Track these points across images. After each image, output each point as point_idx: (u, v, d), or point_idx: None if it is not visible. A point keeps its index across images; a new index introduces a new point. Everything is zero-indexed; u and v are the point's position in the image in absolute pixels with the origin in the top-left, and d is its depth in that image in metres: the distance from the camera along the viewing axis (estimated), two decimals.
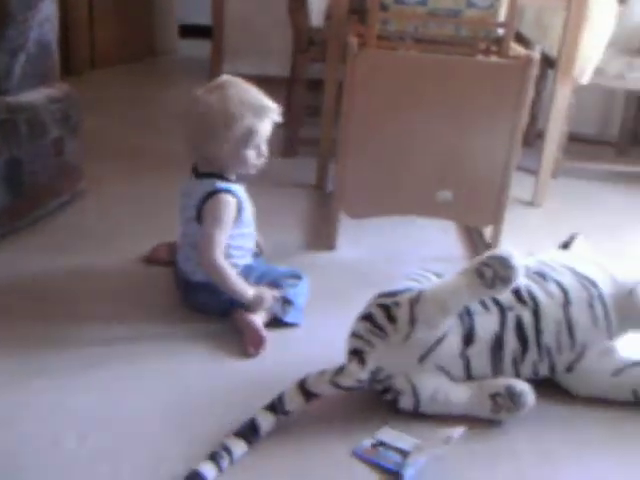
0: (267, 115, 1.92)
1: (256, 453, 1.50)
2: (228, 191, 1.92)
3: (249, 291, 1.91)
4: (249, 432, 1.52)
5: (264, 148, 1.96)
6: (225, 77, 1.95)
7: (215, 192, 1.91)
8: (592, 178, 3.39)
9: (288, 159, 3.27)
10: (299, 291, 2.01)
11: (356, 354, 1.63)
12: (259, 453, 1.51)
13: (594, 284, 1.78)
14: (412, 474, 1.47)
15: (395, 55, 2.26)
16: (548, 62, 3.45)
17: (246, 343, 1.86)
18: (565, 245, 2.02)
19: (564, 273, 1.79)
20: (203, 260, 1.90)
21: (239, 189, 1.98)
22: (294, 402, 1.58)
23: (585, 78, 2.95)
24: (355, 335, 1.67)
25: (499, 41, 2.41)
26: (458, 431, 1.51)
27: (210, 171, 1.96)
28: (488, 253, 1.62)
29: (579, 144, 3.69)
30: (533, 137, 3.69)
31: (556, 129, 2.99)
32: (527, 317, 1.70)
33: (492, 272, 1.58)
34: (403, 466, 1.49)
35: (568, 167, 3.32)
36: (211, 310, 1.97)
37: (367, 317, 1.67)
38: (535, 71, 2.19)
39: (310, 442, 1.56)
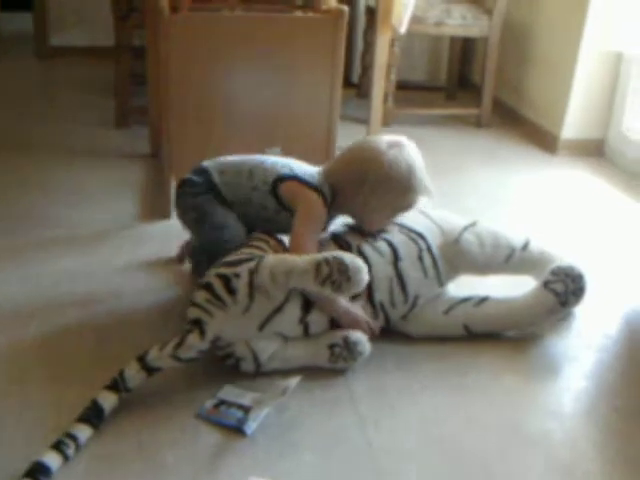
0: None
1: (103, 434, 1.48)
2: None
3: None
4: (92, 415, 1.49)
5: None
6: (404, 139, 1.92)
7: None
8: (425, 123, 3.51)
9: (121, 130, 3.20)
10: None
11: (196, 324, 1.62)
12: (106, 434, 1.49)
13: (422, 237, 1.85)
14: (253, 427, 1.51)
15: (208, 17, 2.24)
16: (373, 14, 3.51)
17: None
18: None
19: (393, 230, 1.86)
20: None
21: None
22: (136, 379, 1.56)
23: (403, 27, 3.03)
24: (195, 304, 1.66)
25: None
26: (293, 381, 1.56)
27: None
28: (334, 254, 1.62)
29: (411, 92, 3.81)
30: (367, 89, 3.76)
31: (380, 78, 3.06)
32: None
33: (328, 270, 1.58)
34: (244, 421, 1.52)
35: (402, 115, 3.42)
36: None
37: (206, 286, 1.65)
38: (345, 23, 2.24)
39: (155, 412, 1.56)
